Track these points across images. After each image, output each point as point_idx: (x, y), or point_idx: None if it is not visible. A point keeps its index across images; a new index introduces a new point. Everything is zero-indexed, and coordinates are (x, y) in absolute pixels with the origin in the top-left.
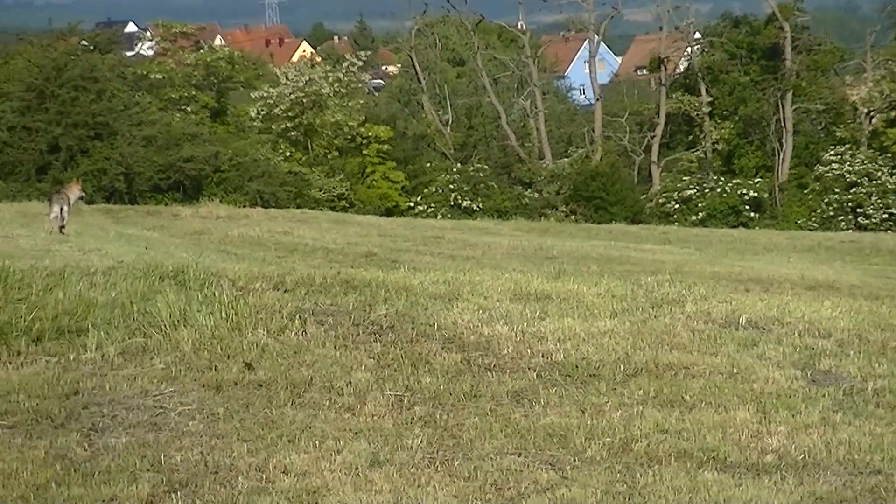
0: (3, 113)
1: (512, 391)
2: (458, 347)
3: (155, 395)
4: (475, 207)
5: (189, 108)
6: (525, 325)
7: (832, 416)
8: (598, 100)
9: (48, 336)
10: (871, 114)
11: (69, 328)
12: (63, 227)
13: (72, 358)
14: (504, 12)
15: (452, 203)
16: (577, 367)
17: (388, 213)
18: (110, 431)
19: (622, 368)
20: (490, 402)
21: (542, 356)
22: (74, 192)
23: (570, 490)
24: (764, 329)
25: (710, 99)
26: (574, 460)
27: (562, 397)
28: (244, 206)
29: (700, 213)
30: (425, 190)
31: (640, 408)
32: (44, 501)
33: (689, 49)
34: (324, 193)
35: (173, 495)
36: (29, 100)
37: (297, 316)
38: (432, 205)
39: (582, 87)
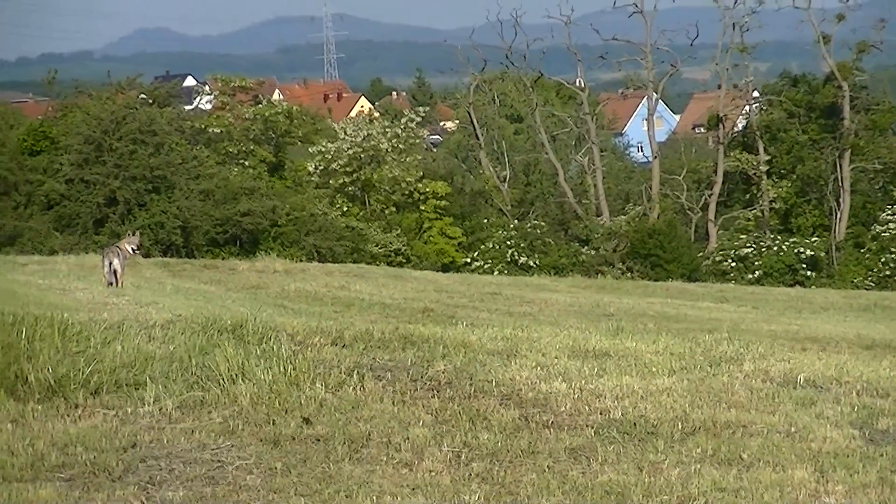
0: (61, 166)
1: (569, 448)
2: (516, 404)
3: (213, 449)
4: (532, 264)
5: (247, 163)
6: (583, 382)
7: (890, 475)
8: (655, 157)
9: (106, 389)
10: None
11: (127, 381)
12: (117, 280)
13: (130, 411)
14: (562, 69)
15: (509, 259)
16: (634, 424)
17: (445, 268)
18: (168, 485)
19: (680, 426)
20: (548, 458)
21: (600, 413)
22: (133, 242)
23: None
24: (822, 388)
25: (767, 157)
26: None
27: (619, 455)
28: (301, 261)
29: (756, 272)
30: (482, 246)
31: (698, 466)
32: None
33: (747, 107)
34: (381, 249)
35: None
36: (87, 153)
37: (356, 371)
38: (489, 261)
39: (640, 145)
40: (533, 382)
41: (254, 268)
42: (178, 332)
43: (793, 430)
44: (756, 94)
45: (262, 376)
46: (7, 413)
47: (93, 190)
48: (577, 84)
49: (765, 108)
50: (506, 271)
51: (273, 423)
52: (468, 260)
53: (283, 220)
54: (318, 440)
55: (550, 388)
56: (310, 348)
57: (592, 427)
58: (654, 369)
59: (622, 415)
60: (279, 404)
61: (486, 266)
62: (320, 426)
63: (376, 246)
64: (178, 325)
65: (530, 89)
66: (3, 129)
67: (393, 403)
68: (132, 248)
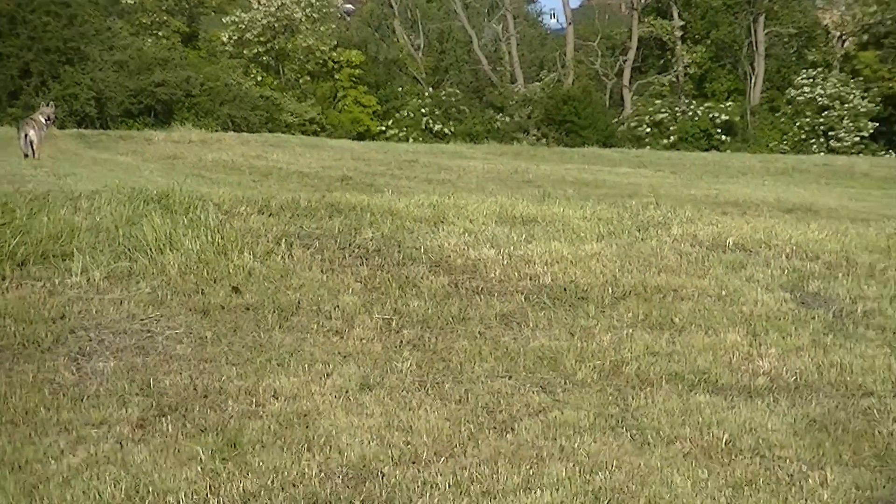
0: None
1: (500, 314)
2: (446, 271)
3: (142, 320)
4: (447, 131)
5: (161, 34)
6: (512, 248)
7: (823, 338)
8: (569, 24)
9: (33, 261)
10: (843, 37)
11: (54, 253)
12: (34, 151)
13: (57, 282)
14: None
15: (424, 127)
16: (565, 289)
17: (360, 137)
18: (98, 356)
19: (610, 291)
20: (479, 325)
21: (530, 279)
22: (46, 112)
23: (562, 413)
24: (751, 251)
25: (682, 23)
26: (565, 383)
27: (551, 320)
28: (216, 131)
29: (672, 137)
30: (397, 114)
31: (630, 330)
32: (33, 426)
33: None
34: (295, 118)
35: (163, 419)
36: (0, 25)
37: (283, 240)
38: (404, 129)
39: (553, 12)
40: (461, 249)
41: (170, 138)
42: (105, 202)
43: (723, 293)
44: None
45: (190, 246)
46: None
47: (6, 62)
48: None
49: None
50: (421, 139)
51: (202, 293)
52: (383, 128)
53: (197, 91)
54: (248, 309)
55: (479, 254)
56: (237, 218)
57: (523, 293)
58: (582, 235)
59: (552, 280)
60: (207, 274)
61: (401, 134)
62: (249, 295)
63: (291, 115)
64: (104, 196)
65: None
66: None
67: (322, 272)
68: (45, 119)
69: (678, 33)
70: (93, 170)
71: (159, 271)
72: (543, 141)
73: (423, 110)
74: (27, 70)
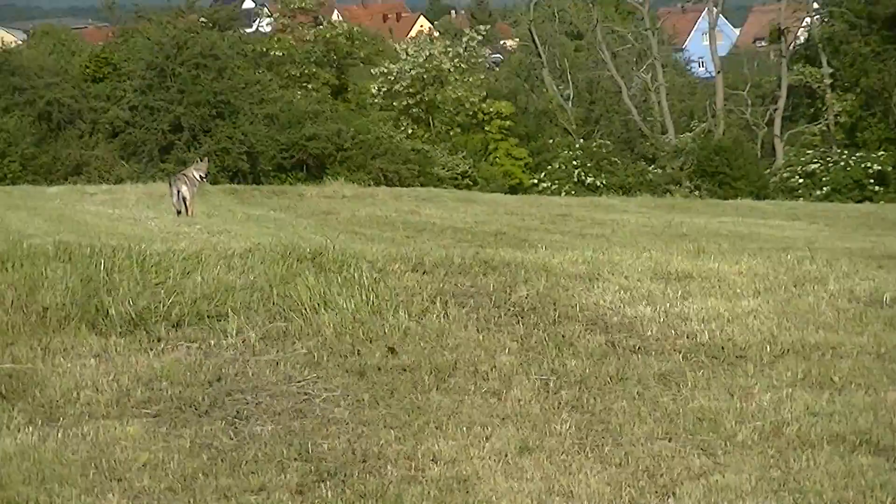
0: (125, 93)
1: (658, 374)
2: (602, 329)
3: (299, 382)
4: (599, 184)
5: (310, 86)
6: (668, 305)
7: None
8: (718, 72)
9: (188, 321)
10: None
11: (209, 313)
12: (187, 209)
13: (213, 344)
14: None
15: (576, 179)
16: (723, 348)
17: (513, 190)
18: (255, 419)
19: (769, 349)
20: (637, 385)
21: (687, 337)
22: (202, 168)
23: (723, 476)
24: None
25: (831, 70)
26: (726, 445)
27: (709, 380)
28: (368, 185)
29: (825, 188)
30: (549, 167)
31: (790, 390)
32: (192, 493)
33: (807, 19)
34: (447, 171)
35: (322, 484)
36: (150, 79)
37: (438, 298)
38: (556, 182)
39: (701, 60)
40: (617, 306)
41: (322, 193)
42: (258, 261)
43: (882, 350)
44: (816, 5)
45: (345, 305)
46: (90, 347)
47: (157, 117)
48: None
49: (826, 19)
50: (573, 192)
51: (358, 354)
52: (535, 181)
53: (348, 144)
54: (405, 370)
55: (635, 311)
56: (390, 275)
57: (680, 351)
58: (738, 290)
59: (709, 338)
60: (363, 334)
61: (553, 187)
62: (406, 356)
63: (443, 168)
64: (256, 255)
65: (590, 5)
66: (65, 56)
67: (477, 331)
68: (200, 175)
69: (828, 81)
70: (246, 226)
71: (314, 332)
72: (696, 193)
73: (574, 162)
74: (178, 124)
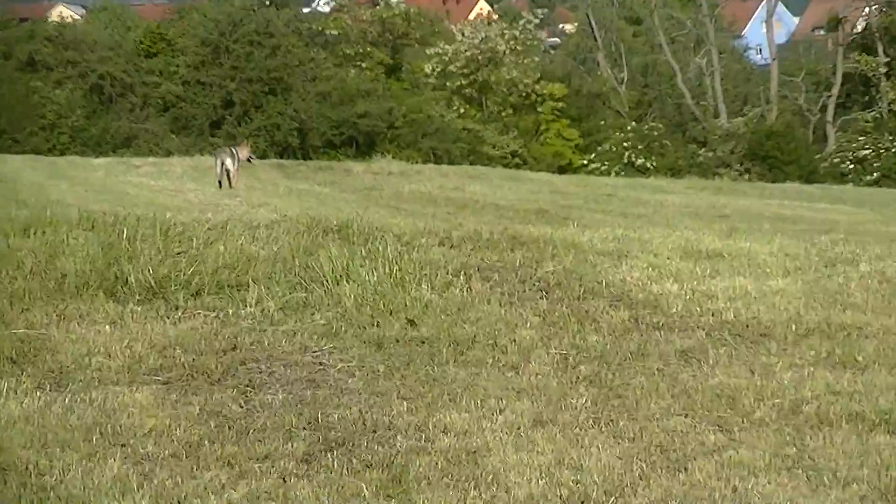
0: (177, 68)
1: (680, 350)
2: (626, 305)
3: (314, 352)
4: (648, 165)
5: (364, 65)
6: (695, 283)
7: None
8: (774, 60)
9: (207, 290)
10: None
11: (229, 283)
12: (230, 181)
13: (231, 313)
14: None
15: (626, 161)
16: (747, 326)
17: (562, 170)
18: (267, 388)
19: (794, 328)
20: (657, 361)
21: (712, 315)
22: (244, 151)
23: (737, 452)
24: None
25: (886, 59)
26: (742, 422)
27: (731, 357)
28: (417, 163)
29: (875, 174)
30: (599, 148)
31: (812, 369)
32: (196, 459)
33: (867, 9)
34: (497, 150)
35: (329, 454)
36: (204, 55)
37: (462, 272)
38: (605, 163)
39: (758, 48)
40: (644, 283)
41: (369, 169)
42: (283, 232)
43: None
44: None
45: (367, 277)
46: (106, 314)
47: (209, 92)
48: None
49: (884, 9)
50: (622, 173)
51: (377, 325)
52: (585, 162)
53: (399, 122)
54: (423, 342)
55: (661, 288)
56: (416, 249)
57: (704, 329)
58: (768, 270)
59: (734, 316)
60: (384, 306)
61: (602, 168)
62: (425, 328)
63: (493, 148)
64: (282, 226)
65: None
66: (119, 32)
67: (500, 305)
68: (248, 157)
69: (883, 70)
70: (287, 200)
71: (335, 303)
72: (746, 176)
73: (625, 144)
74: (230, 100)
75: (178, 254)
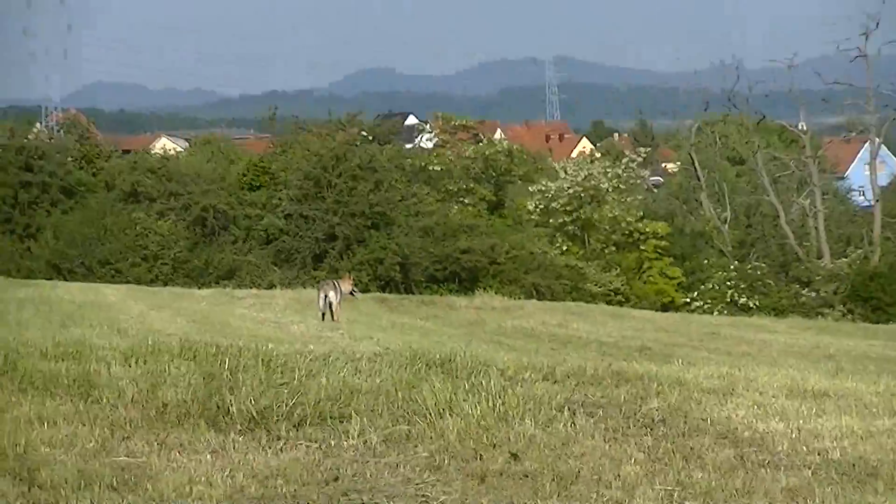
0: (280, 201)
1: (786, 489)
2: (732, 443)
3: (417, 484)
4: (752, 305)
5: (467, 201)
6: (801, 421)
7: None
8: (877, 201)
9: (310, 422)
10: None
11: (332, 414)
12: (333, 314)
13: (333, 444)
14: (785, 113)
15: (729, 300)
16: (854, 465)
17: (664, 308)
18: None
19: None
20: (763, 499)
21: (818, 454)
22: (346, 285)
23: None
24: None
25: None
26: None
27: (838, 497)
28: (519, 299)
29: None
30: (702, 286)
31: None
32: None
33: None
34: (600, 288)
35: None
36: (307, 188)
37: (566, 407)
38: (709, 301)
39: (861, 189)
40: (749, 421)
41: (472, 304)
42: (386, 365)
43: None
44: None
45: (471, 411)
46: (207, 444)
47: (312, 225)
48: (800, 127)
49: None
50: (725, 312)
51: (480, 459)
52: (688, 300)
53: (502, 258)
54: (526, 476)
55: (767, 427)
56: (520, 384)
57: (810, 468)
58: (874, 410)
59: (841, 455)
60: (487, 440)
61: (705, 306)
62: (528, 462)
63: (595, 285)
64: (385, 359)
65: (753, 132)
66: (222, 164)
67: (604, 440)
68: (350, 291)
69: None
70: (389, 333)
71: (438, 436)
72: (849, 317)
73: (728, 283)
74: (332, 234)
75: (281, 385)
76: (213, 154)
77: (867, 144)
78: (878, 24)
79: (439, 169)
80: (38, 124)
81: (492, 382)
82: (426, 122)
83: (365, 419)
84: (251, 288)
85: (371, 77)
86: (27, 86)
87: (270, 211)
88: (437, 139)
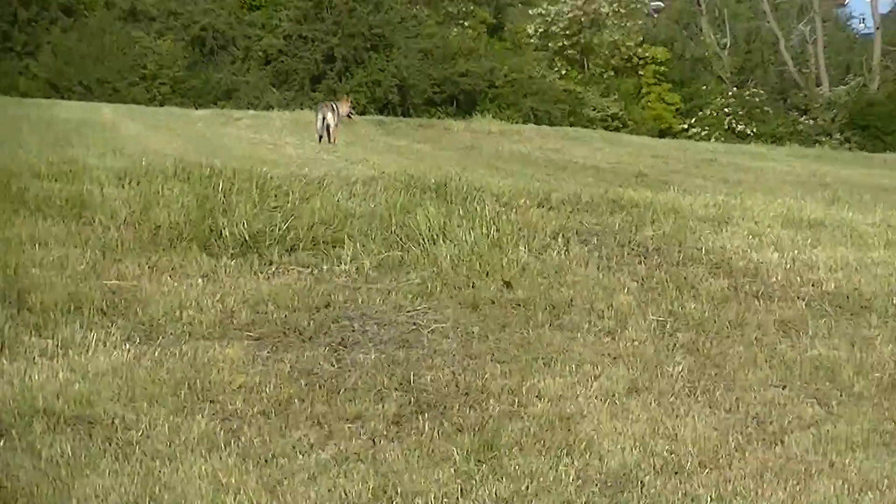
0: (279, 22)
1: (779, 320)
2: (726, 273)
3: (408, 311)
4: (749, 132)
5: (466, 24)
6: (796, 252)
7: None
8: (877, 28)
9: (302, 246)
10: None
11: (325, 239)
12: (330, 136)
13: (325, 269)
14: None
15: (727, 127)
16: (848, 297)
17: (662, 134)
18: (359, 347)
19: (895, 301)
20: (756, 331)
21: (812, 285)
22: (344, 107)
23: (835, 426)
24: None
25: None
26: (841, 395)
27: (831, 329)
28: (517, 123)
29: None
30: (700, 113)
31: None
32: (285, 418)
33: None
34: (597, 112)
35: (421, 416)
36: (306, 9)
37: (561, 235)
38: (706, 128)
39: (862, 17)
40: (744, 251)
41: (469, 128)
42: (380, 189)
43: None
44: None
45: (464, 237)
46: (198, 268)
47: (311, 47)
48: None
49: None
50: (722, 139)
51: (473, 287)
52: (685, 126)
53: (500, 82)
54: (519, 305)
55: (762, 257)
56: (515, 210)
57: (804, 299)
58: (869, 241)
59: (835, 287)
60: (480, 267)
61: (703, 133)
62: (521, 290)
63: (593, 110)
64: (380, 183)
65: None
66: None
67: (598, 269)
68: (348, 113)
69: None
70: (385, 157)
71: (430, 262)
72: (846, 145)
73: (726, 110)
74: (331, 55)
75: (274, 208)
76: None
77: None
78: None
79: None
80: None
81: (486, 209)
82: None
83: (358, 244)
84: (248, 109)
85: None
86: None
87: (269, 32)
88: None
